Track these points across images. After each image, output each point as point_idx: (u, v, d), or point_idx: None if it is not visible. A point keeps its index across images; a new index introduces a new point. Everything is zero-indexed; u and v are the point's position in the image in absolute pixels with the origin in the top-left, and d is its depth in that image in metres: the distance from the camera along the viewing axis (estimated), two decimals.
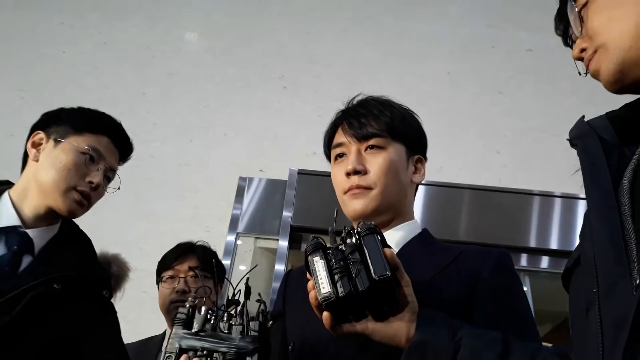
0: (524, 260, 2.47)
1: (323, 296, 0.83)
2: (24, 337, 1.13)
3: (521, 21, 3.47)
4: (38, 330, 1.15)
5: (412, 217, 1.19)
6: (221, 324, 0.92)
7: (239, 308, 0.96)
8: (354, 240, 0.89)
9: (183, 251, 2.04)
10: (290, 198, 2.50)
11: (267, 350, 0.93)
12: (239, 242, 2.53)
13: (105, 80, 3.26)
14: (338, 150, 1.17)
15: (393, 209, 1.13)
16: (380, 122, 1.14)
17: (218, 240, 2.29)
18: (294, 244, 2.44)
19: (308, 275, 0.88)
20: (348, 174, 1.11)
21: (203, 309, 0.94)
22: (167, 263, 2.05)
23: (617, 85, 0.77)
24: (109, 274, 1.46)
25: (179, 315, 0.95)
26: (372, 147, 1.13)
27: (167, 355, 0.90)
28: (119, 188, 1.38)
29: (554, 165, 2.84)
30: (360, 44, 3.46)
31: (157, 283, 2.09)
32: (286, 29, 3.51)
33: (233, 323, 0.92)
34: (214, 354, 0.88)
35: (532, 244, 2.42)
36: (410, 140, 1.18)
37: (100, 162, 1.29)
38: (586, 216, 0.77)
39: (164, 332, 2.09)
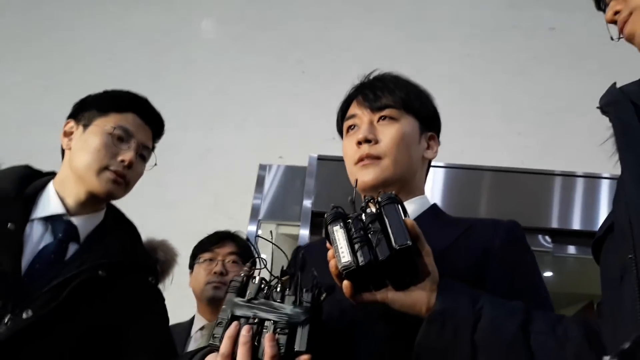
0: (546, 241, 2.44)
1: (343, 265, 0.83)
2: (71, 324, 1.15)
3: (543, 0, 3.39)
4: (84, 317, 1.17)
5: (423, 193, 1.17)
6: (274, 294, 0.91)
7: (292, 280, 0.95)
8: (374, 209, 0.87)
9: (223, 236, 2.09)
10: (310, 184, 2.50)
11: (319, 322, 0.92)
12: (259, 231, 2.55)
13: (124, 68, 3.28)
14: (350, 122, 1.16)
15: (403, 182, 1.11)
16: (395, 95, 1.13)
17: (240, 227, 2.31)
18: (315, 229, 2.45)
19: (328, 244, 0.88)
20: (359, 143, 1.10)
21: (257, 278, 0.93)
22: (206, 245, 2.09)
23: None
24: (155, 260, 1.47)
25: (232, 283, 0.94)
26: (384, 117, 1.12)
27: (218, 321, 0.90)
28: (155, 164, 1.38)
29: (576, 146, 2.79)
30: (379, 28, 3.42)
31: (190, 267, 2.13)
32: (304, 14, 3.48)
33: (286, 293, 0.90)
34: (265, 322, 0.87)
35: (555, 224, 2.39)
36: (424, 116, 1.17)
37: (130, 140, 1.29)
38: (620, 182, 0.75)
39: (192, 318, 2.12)
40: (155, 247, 1.57)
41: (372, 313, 0.93)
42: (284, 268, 0.96)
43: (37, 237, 1.22)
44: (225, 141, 3.13)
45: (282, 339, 0.85)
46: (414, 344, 0.84)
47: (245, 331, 0.86)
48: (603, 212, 2.37)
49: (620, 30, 0.78)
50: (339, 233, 0.85)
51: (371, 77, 1.20)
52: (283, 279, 0.94)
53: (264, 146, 3.04)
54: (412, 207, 1.09)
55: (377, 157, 1.09)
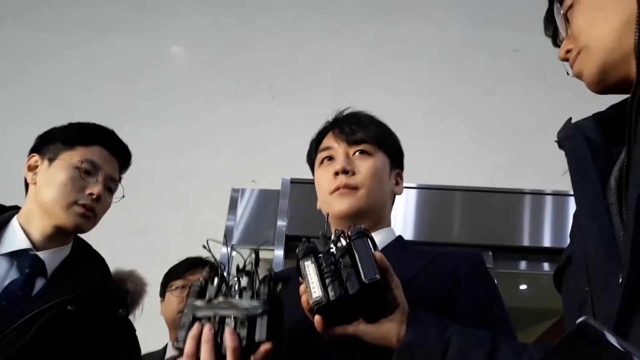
0: (517, 260, 2.47)
1: (314, 300, 0.84)
2: None
3: (506, 21, 3.49)
4: (54, 354, 1.14)
5: (389, 225, 1.23)
6: (232, 293, 0.94)
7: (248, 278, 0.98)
8: (344, 243, 0.90)
9: (194, 263, 2.06)
10: (284, 207, 2.50)
11: (279, 312, 0.94)
12: (233, 253, 2.52)
13: (93, 97, 3.24)
14: (325, 154, 1.20)
15: (375, 214, 1.16)
16: (370, 131, 1.19)
17: (213, 252, 2.28)
18: (289, 253, 2.43)
19: (300, 279, 0.89)
20: (337, 173, 1.14)
21: (215, 280, 0.96)
22: (177, 273, 2.06)
23: (600, 86, 0.78)
24: (124, 291, 1.46)
25: (192, 288, 0.96)
26: (360, 152, 1.17)
27: (181, 324, 0.92)
28: (123, 196, 1.38)
29: (544, 164, 2.84)
30: (347, 50, 3.46)
31: (162, 294, 2.09)
32: (273, 39, 3.51)
33: (244, 290, 0.93)
34: (226, 320, 0.90)
35: (526, 242, 2.43)
36: (393, 153, 1.23)
37: (97, 173, 1.29)
38: (575, 216, 0.78)
39: (164, 347, 2.08)
40: (124, 278, 1.54)
41: (344, 346, 0.93)
42: (240, 267, 0.98)
43: (2, 273, 1.20)
44: (197, 166, 3.11)
45: (243, 332, 0.88)
46: None
47: (207, 330, 0.88)
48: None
49: (571, 67, 0.82)
50: (310, 268, 0.87)
51: (344, 113, 1.25)
52: (239, 276, 0.97)
53: (236, 171, 3.03)
54: (380, 237, 1.14)
55: (355, 188, 1.13)
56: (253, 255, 1.00)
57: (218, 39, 3.53)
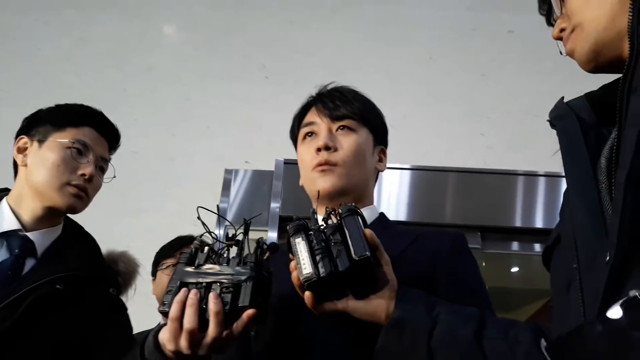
0: (509, 240, 2.49)
1: (305, 277, 0.85)
2: (31, 340, 1.13)
3: (501, 3, 3.47)
4: (43, 333, 1.15)
5: (372, 203, 1.22)
6: (221, 260, 0.95)
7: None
8: (335, 220, 0.90)
9: (185, 242, 2.06)
10: (277, 188, 2.49)
11: (266, 279, 0.94)
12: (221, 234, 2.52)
13: (84, 77, 3.21)
14: (308, 129, 1.18)
15: (357, 191, 1.15)
16: (354, 106, 1.17)
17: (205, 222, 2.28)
18: (283, 234, 2.44)
19: (291, 255, 0.90)
20: (319, 150, 1.12)
21: (206, 248, 0.97)
22: (168, 251, 2.06)
23: (591, 64, 0.79)
24: (115, 271, 1.47)
25: (182, 255, 0.97)
26: (343, 127, 1.15)
27: (168, 289, 0.93)
28: (114, 176, 1.38)
29: (538, 145, 2.85)
30: (342, 31, 3.44)
31: (153, 274, 2.09)
32: (267, 19, 3.48)
33: (233, 258, 0.95)
34: (212, 286, 0.91)
35: (518, 223, 2.44)
36: (377, 130, 1.21)
37: (88, 154, 1.29)
38: (565, 195, 0.79)
39: (157, 325, 2.09)
40: (115, 259, 1.55)
41: (333, 321, 0.94)
42: (229, 235, 0.99)
43: None
44: (190, 147, 3.10)
45: (227, 297, 0.89)
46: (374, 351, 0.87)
47: (192, 294, 0.89)
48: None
49: (564, 46, 0.82)
50: (300, 245, 0.88)
51: (329, 87, 1.23)
52: (228, 243, 0.98)
53: (230, 151, 3.02)
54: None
55: (335, 164, 1.12)
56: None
57: (211, 18, 3.49)
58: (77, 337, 1.18)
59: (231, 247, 0.99)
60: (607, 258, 0.62)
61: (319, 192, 1.07)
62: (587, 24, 0.77)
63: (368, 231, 0.89)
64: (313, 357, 0.99)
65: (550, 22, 0.89)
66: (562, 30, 0.82)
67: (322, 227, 0.90)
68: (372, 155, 1.19)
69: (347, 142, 1.14)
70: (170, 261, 2.05)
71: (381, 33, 3.44)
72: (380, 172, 1.25)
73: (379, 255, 0.89)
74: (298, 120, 1.24)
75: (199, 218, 1.01)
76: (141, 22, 3.46)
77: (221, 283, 0.90)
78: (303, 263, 0.86)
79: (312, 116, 1.19)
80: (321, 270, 0.84)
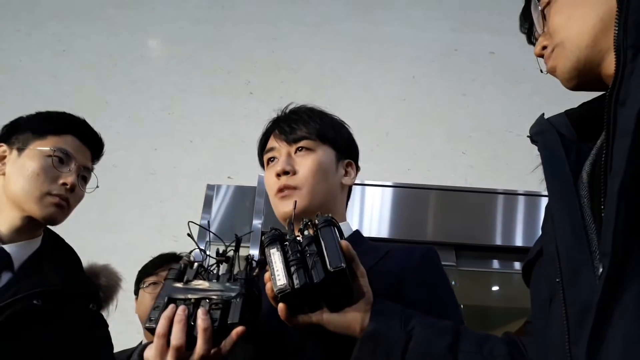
0: (489, 258, 2.51)
1: (279, 288, 0.83)
2: (7, 357, 1.08)
3: (483, 25, 3.54)
4: (19, 351, 1.10)
5: (345, 218, 1.22)
6: (210, 276, 0.93)
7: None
8: (312, 232, 0.89)
9: (168, 259, 2.04)
10: (260, 204, 2.48)
11: (255, 297, 0.93)
12: (208, 251, 2.50)
13: (66, 89, 3.18)
14: (269, 155, 1.20)
15: (325, 209, 1.12)
16: (310, 126, 1.18)
17: (186, 249, 2.26)
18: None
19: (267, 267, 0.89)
20: (278, 175, 1.13)
21: (195, 264, 0.96)
22: (150, 269, 2.03)
23: (573, 82, 0.80)
24: (97, 286, 1.41)
25: (171, 271, 0.95)
26: (301, 149, 1.17)
27: (155, 305, 0.90)
28: (97, 186, 1.34)
29: (517, 164, 2.90)
30: (326, 49, 3.46)
31: (136, 292, 2.06)
32: (252, 35, 3.49)
33: (222, 275, 0.93)
34: (201, 302, 0.89)
35: (498, 241, 2.46)
36: (340, 145, 1.22)
37: (70, 162, 1.25)
38: (547, 209, 0.80)
39: (139, 344, 2.05)
40: (97, 273, 1.51)
41: (307, 334, 0.93)
42: (220, 252, 0.98)
43: None
44: (172, 162, 3.08)
45: (216, 313, 0.87)
46: None
47: (180, 310, 0.87)
48: None
49: (546, 64, 0.84)
50: (275, 256, 0.86)
51: (287, 110, 1.25)
52: (219, 259, 0.97)
53: (212, 167, 3.00)
54: None
55: (295, 188, 1.12)
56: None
57: (195, 33, 3.49)
58: (55, 355, 1.14)
59: (221, 264, 0.97)
60: (600, 271, 0.62)
61: (295, 202, 1.07)
62: (569, 42, 0.78)
63: (344, 242, 0.88)
64: None
65: (530, 41, 0.91)
66: (544, 48, 0.83)
67: (298, 238, 0.89)
68: (335, 171, 1.19)
69: (306, 163, 1.14)
70: (151, 279, 2.02)
71: (364, 51, 3.47)
72: (350, 187, 1.25)
73: (354, 267, 0.88)
74: (260, 147, 1.26)
75: (189, 235, 1.00)
76: (124, 36, 3.45)
77: (210, 299, 0.89)
78: (277, 274, 0.84)
79: (271, 142, 1.21)
80: (295, 281, 0.83)
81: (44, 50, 3.37)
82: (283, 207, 1.12)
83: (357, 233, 1.20)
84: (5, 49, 3.37)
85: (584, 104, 0.85)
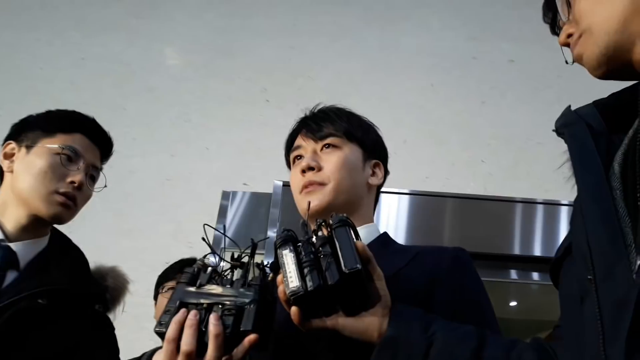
0: (507, 268, 2.46)
1: (291, 290, 0.80)
2: (9, 356, 1.07)
3: (502, 33, 3.50)
4: (22, 350, 1.09)
5: (372, 220, 1.19)
6: (224, 281, 0.91)
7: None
8: (326, 232, 0.86)
9: (188, 264, 2.03)
10: (275, 211, 2.47)
11: (270, 303, 0.90)
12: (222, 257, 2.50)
13: (84, 96, 3.21)
14: (296, 153, 1.19)
15: (348, 207, 1.11)
16: (337, 124, 1.17)
17: (201, 255, 2.26)
18: None
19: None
20: (303, 171, 1.12)
21: (209, 269, 0.93)
22: (171, 274, 2.04)
23: (601, 70, 0.75)
24: (104, 287, 1.40)
25: (184, 275, 0.93)
26: (327, 146, 1.15)
27: (166, 309, 0.88)
28: (105, 186, 1.32)
29: (537, 173, 2.85)
30: (343, 57, 3.46)
31: (155, 297, 2.06)
32: (269, 43, 3.49)
33: (235, 278, 0.90)
34: (214, 307, 0.86)
35: (517, 251, 2.42)
36: (367, 144, 1.20)
37: (79, 161, 1.23)
38: (577, 203, 0.75)
39: (152, 349, 2.05)
40: (104, 274, 1.50)
41: (321, 339, 0.90)
42: (235, 257, 0.95)
43: None
44: (188, 168, 3.08)
45: (229, 319, 0.84)
46: None
47: (192, 315, 0.84)
48: (562, 238, 2.41)
49: (572, 52, 0.80)
50: (288, 257, 0.83)
51: (315, 110, 1.24)
52: (233, 263, 0.94)
53: (228, 173, 3.00)
54: (362, 234, 1.08)
55: (321, 183, 1.10)
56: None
57: (212, 41, 3.51)
58: (58, 355, 1.13)
59: (235, 269, 0.95)
60: (638, 265, 0.58)
61: (309, 203, 1.04)
62: (596, 27, 0.73)
63: (359, 243, 0.84)
64: None
65: (554, 31, 0.87)
66: (569, 36, 0.79)
67: (311, 239, 0.86)
68: (362, 170, 1.17)
69: (331, 159, 1.13)
70: (170, 284, 2.02)
71: (382, 60, 3.45)
72: (378, 189, 1.22)
73: (371, 268, 0.85)
74: (287, 146, 1.25)
75: (203, 239, 0.98)
76: (142, 44, 3.48)
77: (223, 305, 0.86)
78: (290, 276, 0.81)
79: (298, 141, 1.20)
80: (309, 283, 0.79)
81: (63, 58, 3.42)
82: (310, 201, 1.09)
83: (385, 235, 1.17)
84: (27, 57, 3.42)
85: (613, 94, 0.81)
